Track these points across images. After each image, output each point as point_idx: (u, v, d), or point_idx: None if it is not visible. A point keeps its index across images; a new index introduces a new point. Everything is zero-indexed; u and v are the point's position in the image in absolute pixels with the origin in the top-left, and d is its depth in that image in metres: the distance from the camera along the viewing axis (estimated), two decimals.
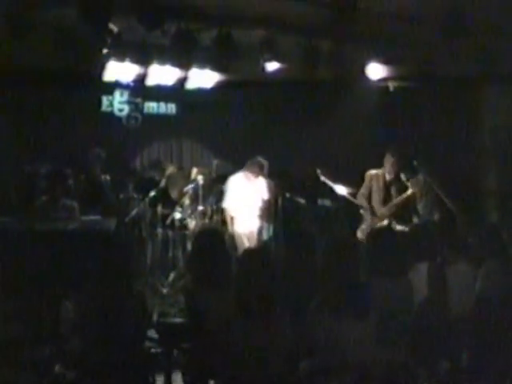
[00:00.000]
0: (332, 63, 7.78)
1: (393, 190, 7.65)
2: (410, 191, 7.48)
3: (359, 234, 7.60)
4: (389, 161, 7.65)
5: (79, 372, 4.01)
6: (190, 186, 8.57)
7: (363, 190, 7.76)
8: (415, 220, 7.59)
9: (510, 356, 4.21)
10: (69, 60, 7.12)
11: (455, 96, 9.17)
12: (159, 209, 8.36)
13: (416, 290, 4.57)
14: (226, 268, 4.43)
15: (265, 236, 8.22)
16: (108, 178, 7.73)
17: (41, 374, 4.02)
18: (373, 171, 7.78)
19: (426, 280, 4.69)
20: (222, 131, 9.71)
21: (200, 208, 8.45)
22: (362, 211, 7.79)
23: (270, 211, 8.25)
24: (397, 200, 7.54)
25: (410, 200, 7.57)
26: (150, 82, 8.62)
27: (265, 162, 7.98)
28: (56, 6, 6.50)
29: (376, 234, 5.03)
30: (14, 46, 6.86)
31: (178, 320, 4.83)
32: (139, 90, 9.49)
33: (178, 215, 8.40)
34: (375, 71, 8.34)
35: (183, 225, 8.45)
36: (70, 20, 6.67)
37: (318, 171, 8.05)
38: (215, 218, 8.41)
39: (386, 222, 7.45)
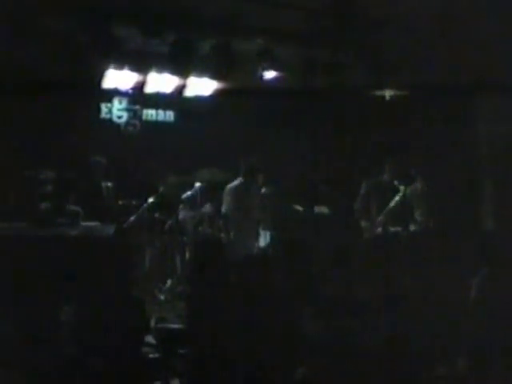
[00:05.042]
0: (329, 72, 7.86)
1: (390, 198, 7.70)
2: (401, 193, 7.53)
3: (360, 241, 7.63)
4: (387, 169, 7.70)
5: (77, 377, 4.04)
6: (188, 193, 8.61)
7: (360, 199, 7.80)
8: (412, 227, 7.63)
9: (505, 363, 4.26)
10: (69, 68, 7.18)
11: (452, 104, 9.22)
12: (157, 215, 8.40)
13: (415, 296, 4.62)
14: (225, 275, 4.48)
15: (262, 243, 8.26)
16: (108, 184, 7.78)
17: (39, 378, 4.05)
18: (370, 179, 7.83)
19: (425, 285, 4.74)
20: (219, 139, 9.76)
21: (198, 215, 8.49)
22: (359, 219, 7.83)
23: (267, 218, 8.30)
24: (391, 205, 7.57)
25: (406, 205, 7.60)
26: (149, 89, 8.68)
27: (261, 169, 8.03)
28: (56, 14, 6.56)
29: (377, 242, 5.09)
30: (16, 53, 6.92)
31: (175, 326, 4.87)
32: (138, 97, 9.57)
33: (176, 221, 8.44)
34: (370, 79, 8.41)
35: (181, 231, 8.49)
36: (70, 28, 6.75)
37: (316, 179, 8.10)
38: (213, 224, 8.45)
39: (380, 229, 7.48)
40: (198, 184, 8.57)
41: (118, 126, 9.86)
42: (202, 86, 8.86)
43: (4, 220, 6.14)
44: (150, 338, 4.57)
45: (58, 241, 5.50)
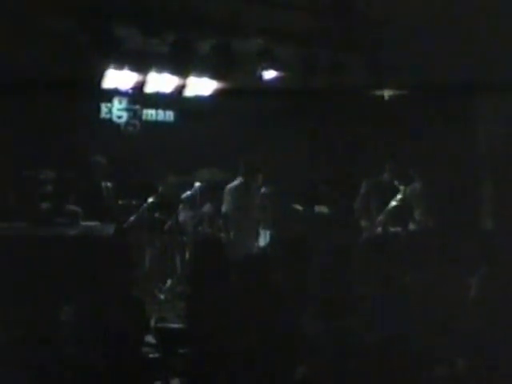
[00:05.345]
0: (328, 72, 7.86)
1: (390, 198, 7.71)
2: (400, 194, 7.55)
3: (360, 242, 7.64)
4: (387, 169, 7.72)
5: (77, 377, 4.04)
6: (188, 193, 8.62)
7: (360, 198, 7.82)
8: (412, 227, 7.65)
9: (504, 362, 4.26)
10: (69, 68, 7.19)
11: (451, 104, 9.23)
12: (157, 215, 8.41)
13: (413, 296, 4.62)
14: (224, 275, 4.48)
15: (262, 243, 8.28)
16: (108, 184, 7.78)
17: (39, 378, 4.06)
18: (370, 179, 7.84)
19: (423, 286, 4.74)
20: (219, 138, 9.77)
21: (197, 215, 8.50)
22: (359, 219, 7.84)
23: (267, 218, 8.31)
24: (391, 205, 7.59)
25: (406, 205, 7.62)
26: (149, 89, 8.69)
27: (260, 169, 8.05)
28: (56, 14, 6.57)
29: (375, 242, 5.09)
30: (16, 53, 6.93)
31: (175, 325, 4.87)
32: (138, 97, 9.58)
33: (175, 221, 8.45)
34: (370, 80, 8.42)
35: (181, 231, 8.50)
36: (70, 28, 6.76)
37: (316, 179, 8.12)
38: (213, 224, 8.46)
39: (380, 229, 7.50)
40: (197, 184, 8.58)
41: (117, 126, 9.88)
42: (201, 86, 8.88)
43: (4, 220, 6.15)
44: (150, 338, 4.57)
45: (58, 241, 5.51)
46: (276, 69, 7.85)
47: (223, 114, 9.81)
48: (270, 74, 7.93)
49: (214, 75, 8.44)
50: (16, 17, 6.49)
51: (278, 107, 9.82)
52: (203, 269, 4.46)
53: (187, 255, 8.29)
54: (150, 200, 8.28)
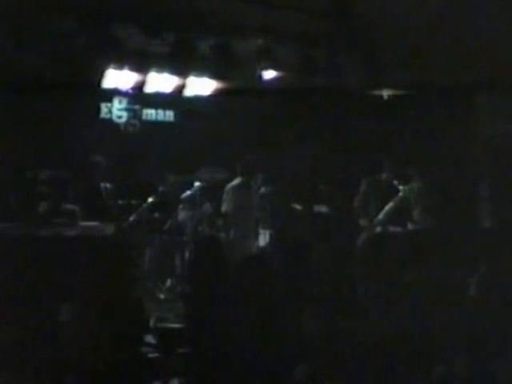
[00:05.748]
0: (328, 71, 7.87)
1: (390, 197, 7.72)
2: (400, 194, 7.57)
3: (359, 241, 7.65)
4: (386, 168, 7.73)
5: (76, 376, 4.05)
6: (188, 193, 8.63)
7: (359, 198, 7.83)
8: (410, 226, 7.66)
9: (504, 362, 4.26)
10: (69, 68, 7.19)
11: (450, 104, 9.23)
12: (157, 215, 8.41)
13: (413, 295, 4.62)
14: (224, 275, 4.49)
15: (261, 243, 8.28)
16: (107, 184, 7.79)
17: (38, 378, 4.06)
18: (369, 178, 7.85)
19: (422, 285, 4.74)
20: (219, 138, 9.77)
21: (197, 214, 8.50)
22: (358, 218, 7.85)
23: (266, 218, 8.31)
24: (390, 205, 7.60)
25: (404, 205, 7.63)
26: (149, 89, 8.69)
27: (258, 168, 8.07)
28: (57, 14, 6.58)
29: (374, 240, 5.09)
30: (16, 53, 6.93)
31: (175, 325, 4.88)
32: (138, 97, 9.58)
33: (175, 221, 8.46)
34: (370, 79, 8.43)
35: (181, 231, 8.50)
36: (70, 28, 6.76)
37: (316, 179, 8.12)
38: (212, 224, 8.46)
39: (379, 228, 7.50)
40: (197, 184, 8.58)
41: (117, 125, 9.88)
42: (201, 86, 8.88)
43: (4, 220, 6.16)
44: (150, 338, 4.57)
45: (58, 241, 5.51)
46: (276, 69, 7.85)
47: (223, 114, 9.81)
48: (269, 74, 7.94)
49: (214, 75, 8.45)
50: (16, 17, 6.50)
51: (278, 107, 9.82)
52: (203, 269, 4.46)
53: (187, 255, 8.29)
54: (150, 200, 8.28)
